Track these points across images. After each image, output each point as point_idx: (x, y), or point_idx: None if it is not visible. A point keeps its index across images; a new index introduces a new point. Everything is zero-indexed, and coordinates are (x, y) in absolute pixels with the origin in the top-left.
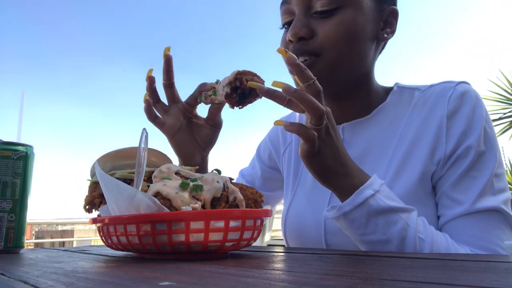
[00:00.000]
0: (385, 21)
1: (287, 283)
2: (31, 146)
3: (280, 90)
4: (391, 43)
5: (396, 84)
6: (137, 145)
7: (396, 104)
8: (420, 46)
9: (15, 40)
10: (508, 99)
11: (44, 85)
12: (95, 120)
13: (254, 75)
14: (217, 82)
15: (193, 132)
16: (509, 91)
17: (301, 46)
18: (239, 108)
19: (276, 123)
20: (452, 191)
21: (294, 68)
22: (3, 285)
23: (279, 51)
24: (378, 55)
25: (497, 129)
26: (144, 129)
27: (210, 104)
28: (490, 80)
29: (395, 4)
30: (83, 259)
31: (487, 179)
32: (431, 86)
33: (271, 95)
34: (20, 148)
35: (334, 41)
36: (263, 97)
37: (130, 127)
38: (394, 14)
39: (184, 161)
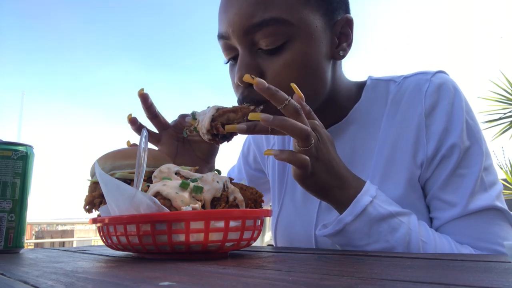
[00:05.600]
0: (340, 33)
1: (287, 283)
2: (31, 146)
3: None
4: (391, 44)
5: (369, 77)
6: (137, 145)
7: (372, 101)
8: (419, 46)
9: (15, 40)
10: (508, 99)
11: (44, 85)
12: (95, 120)
13: (230, 111)
14: (193, 114)
15: (192, 150)
16: (509, 91)
17: (250, 93)
18: (227, 142)
19: (266, 153)
20: (442, 192)
21: (264, 93)
22: (3, 285)
23: (245, 79)
24: (340, 68)
25: (497, 129)
26: (144, 129)
27: None
28: (491, 80)
29: (347, 11)
30: (83, 259)
31: (477, 175)
32: (405, 77)
33: (252, 131)
34: (20, 148)
35: (286, 86)
36: None
37: (130, 127)
38: (349, 23)
39: None
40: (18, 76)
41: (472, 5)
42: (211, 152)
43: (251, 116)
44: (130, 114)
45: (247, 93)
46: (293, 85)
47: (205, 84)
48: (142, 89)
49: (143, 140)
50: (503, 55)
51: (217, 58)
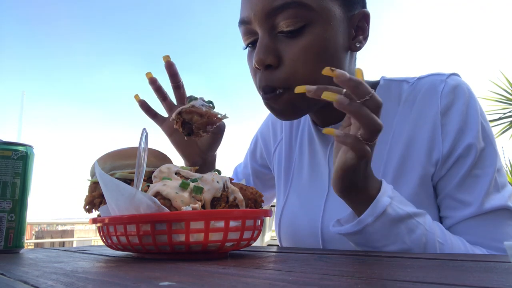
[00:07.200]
0: (356, 27)
1: (287, 283)
2: (31, 146)
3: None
4: (391, 43)
5: (382, 77)
6: (137, 145)
7: (384, 100)
8: (419, 45)
9: (15, 40)
10: (508, 99)
11: (44, 85)
12: (95, 120)
13: (198, 113)
14: (189, 98)
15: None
16: (509, 91)
17: (268, 75)
18: (188, 136)
19: (326, 131)
20: (457, 192)
21: (345, 85)
22: (3, 285)
23: (325, 72)
24: (355, 64)
25: (497, 129)
26: (144, 129)
27: None
28: (491, 80)
29: (364, 6)
30: (83, 259)
31: (492, 176)
32: (419, 78)
33: (315, 94)
34: (20, 148)
35: (303, 69)
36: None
37: (130, 127)
38: (366, 18)
39: (184, 160)
40: (18, 76)
41: (473, 5)
42: (209, 145)
43: (325, 95)
44: (150, 73)
45: (264, 78)
46: (330, 70)
47: (205, 86)
48: (167, 56)
49: (143, 140)
50: (503, 55)
51: (218, 60)
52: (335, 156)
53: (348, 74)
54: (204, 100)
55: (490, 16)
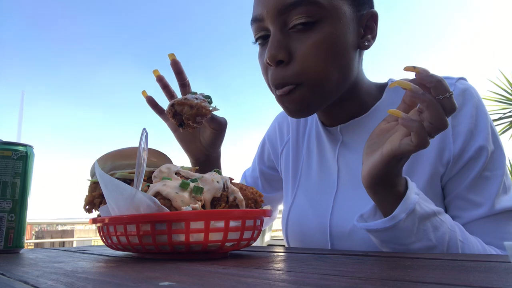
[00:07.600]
0: (365, 26)
1: (287, 283)
2: (31, 146)
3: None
4: (389, 42)
5: (390, 79)
6: (137, 145)
7: (394, 101)
8: (418, 45)
9: (15, 40)
10: (508, 99)
11: (44, 85)
12: (95, 120)
13: (189, 105)
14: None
15: (199, 132)
16: (509, 91)
17: (279, 72)
18: (180, 127)
19: (392, 112)
20: (468, 193)
21: (428, 81)
22: (3, 285)
23: (406, 69)
24: (361, 64)
25: (497, 129)
26: (144, 129)
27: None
28: (490, 80)
29: (372, 6)
30: (83, 259)
31: (501, 178)
32: None
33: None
34: (20, 148)
35: (314, 65)
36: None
37: (130, 127)
38: (374, 18)
39: (188, 156)
40: (18, 76)
41: (473, 4)
42: (211, 142)
43: (397, 82)
44: (157, 70)
45: (275, 75)
46: (413, 67)
47: (206, 86)
48: (172, 54)
49: (143, 140)
50: (503, 55)
51: (218, 59)
52: (371, 146)
53: (429, 71)
54: (203, 95)
55: (490, 16)
